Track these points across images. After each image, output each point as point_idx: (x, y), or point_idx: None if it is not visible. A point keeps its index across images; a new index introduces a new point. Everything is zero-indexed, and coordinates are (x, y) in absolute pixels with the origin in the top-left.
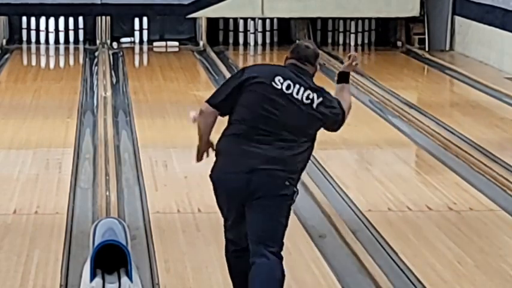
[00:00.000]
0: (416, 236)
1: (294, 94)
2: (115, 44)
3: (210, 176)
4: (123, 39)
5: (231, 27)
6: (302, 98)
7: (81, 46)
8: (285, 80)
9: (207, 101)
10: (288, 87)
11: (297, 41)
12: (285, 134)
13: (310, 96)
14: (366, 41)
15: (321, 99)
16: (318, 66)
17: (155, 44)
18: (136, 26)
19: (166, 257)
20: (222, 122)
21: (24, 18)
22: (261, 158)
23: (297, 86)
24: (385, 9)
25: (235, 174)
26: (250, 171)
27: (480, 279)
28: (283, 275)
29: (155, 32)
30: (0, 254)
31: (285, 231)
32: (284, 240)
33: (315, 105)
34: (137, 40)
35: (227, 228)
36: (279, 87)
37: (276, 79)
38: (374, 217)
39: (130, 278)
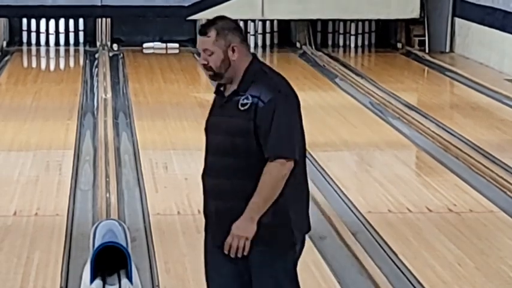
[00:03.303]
0: (416, 237)
1: None
2: (115, 46)
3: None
4: (145, 45)
5: None
6: None
7: (81, 48)
8: None
9: (291, 157)
10: None
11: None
12: None
13: None
14: (366, 42)
15: None
16: None
17: (156, 45)
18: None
19: (167, 259)
20: None
21: (24, 20)
22: None
23: None
24: (385, 11)
25: None
26: None
27: (480, 280)
28: None
29: (155, 33)
30: (0, 255)
31: None
32: None
33: None
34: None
35: None
36: None
37: None
38: (374, 218)
39: (131, 280)
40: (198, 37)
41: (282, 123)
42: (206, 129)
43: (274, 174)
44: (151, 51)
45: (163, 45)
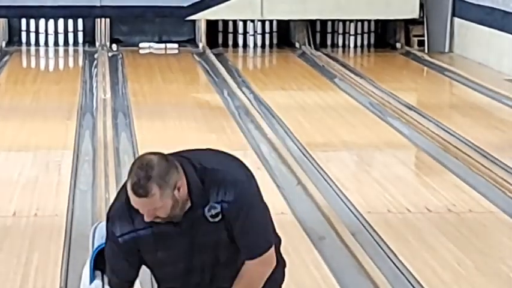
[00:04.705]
0: (416, 237)
1: None
2: (114, 46)
3: None
4: (141, 45)
5: (231, 29)
6: None
7: (80, 48)
8: None
9: (269, 248)
10: None
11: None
12: None
13: None
14: (365, 42)
15: None
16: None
17: (154, 45)
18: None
19: None
20: None
21: (23, 21)
22: None
23: None
24: (384, 11)
25: None
26: None
27: (479, 281)
28: None
29: (154, 33)
30: None
31: None
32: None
33: None
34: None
35: None
36: None
37: None
38: (373, 219)
39: None
40: (135, 198)
41: (253, 218)
42: (165, 264)
43: (254, 276)
44: (147, 51)
45: (162, 45)
